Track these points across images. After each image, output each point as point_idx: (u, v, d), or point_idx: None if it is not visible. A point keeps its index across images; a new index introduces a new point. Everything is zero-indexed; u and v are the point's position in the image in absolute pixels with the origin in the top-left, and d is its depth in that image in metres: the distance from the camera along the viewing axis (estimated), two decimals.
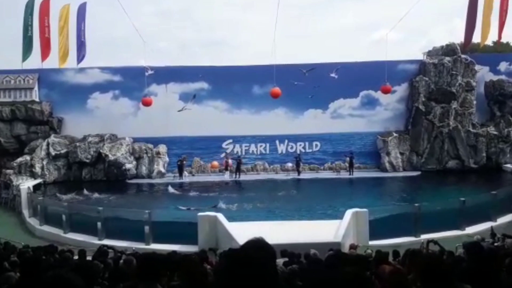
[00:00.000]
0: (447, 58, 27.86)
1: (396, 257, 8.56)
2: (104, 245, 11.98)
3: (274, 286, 1.68)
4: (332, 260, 3.37)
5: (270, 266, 1.69)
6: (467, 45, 28.00)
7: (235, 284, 1.61)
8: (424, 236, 13.04)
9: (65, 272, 1.86)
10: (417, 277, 3.06)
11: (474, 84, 27.82)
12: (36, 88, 27.38)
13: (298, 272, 6.15)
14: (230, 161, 27.08)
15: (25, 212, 20.60)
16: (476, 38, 27.59)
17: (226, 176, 26.73)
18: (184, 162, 26.83)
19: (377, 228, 14.52)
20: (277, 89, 23.32)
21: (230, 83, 27.79)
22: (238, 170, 26.67)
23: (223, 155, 27.67)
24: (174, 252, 10.07)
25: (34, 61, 27.22)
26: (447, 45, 29.05)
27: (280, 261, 7.95)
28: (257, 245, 1.75)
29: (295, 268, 6.65)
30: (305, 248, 9.70)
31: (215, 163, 27.49)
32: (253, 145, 28.48)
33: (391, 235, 14.40)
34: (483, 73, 28.55)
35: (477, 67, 28.01)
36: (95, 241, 15.11)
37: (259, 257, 1.67)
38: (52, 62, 26.92)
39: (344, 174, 26.88)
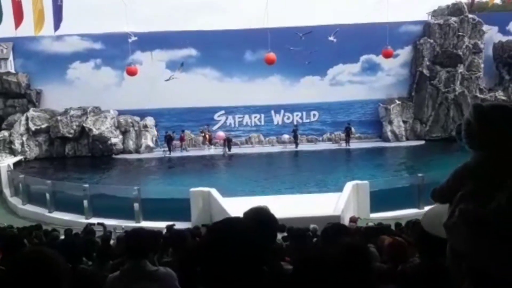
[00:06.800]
0: (453, 18, 27.60)
1: (397, 229, 8.70)
2: (92, 224, 12.07)
3: (258, 263, 1.66)
4: (330, 232, 3.40)
5: (250, 241, 1.66)
6: (473, 3, 27.68)
7: (217, 259, 1.60)
8: (428, 208, 13.21)
9: (44, 248, 1.87)
10: (416, 245, 3.10)
11: (482, 46, 27.67)
12: (11, 58, 27.01)
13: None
14: (212, 134, 26.96)
15: (6, 191, 20.61)
16: None
17: (211, 151, 26.70)
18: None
19: (379, 201, 14.67)
20: (272, 55, 22.92)
21: (220, 49, 27.37)
22: (229, 144, 26.56)
23: (202, 128, 27.39)
24: (173, 225, 10.21)
25: (7, 29, 26.60)
26: (453, 4, 28.74)
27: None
28: (234, 220, 1.75)
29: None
30: (303, 223, 9.80)
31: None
32: (246, 116, 28.38)
33: (394, 208, 14.58)
34: (492, 34, 28.36)
35: (485, 27, 27.78)
36: (82, 220, 15.21)
37: (237, 232, 1.65)
38: (27, 29, 26.28)
39: (344, 145, 26.97)
